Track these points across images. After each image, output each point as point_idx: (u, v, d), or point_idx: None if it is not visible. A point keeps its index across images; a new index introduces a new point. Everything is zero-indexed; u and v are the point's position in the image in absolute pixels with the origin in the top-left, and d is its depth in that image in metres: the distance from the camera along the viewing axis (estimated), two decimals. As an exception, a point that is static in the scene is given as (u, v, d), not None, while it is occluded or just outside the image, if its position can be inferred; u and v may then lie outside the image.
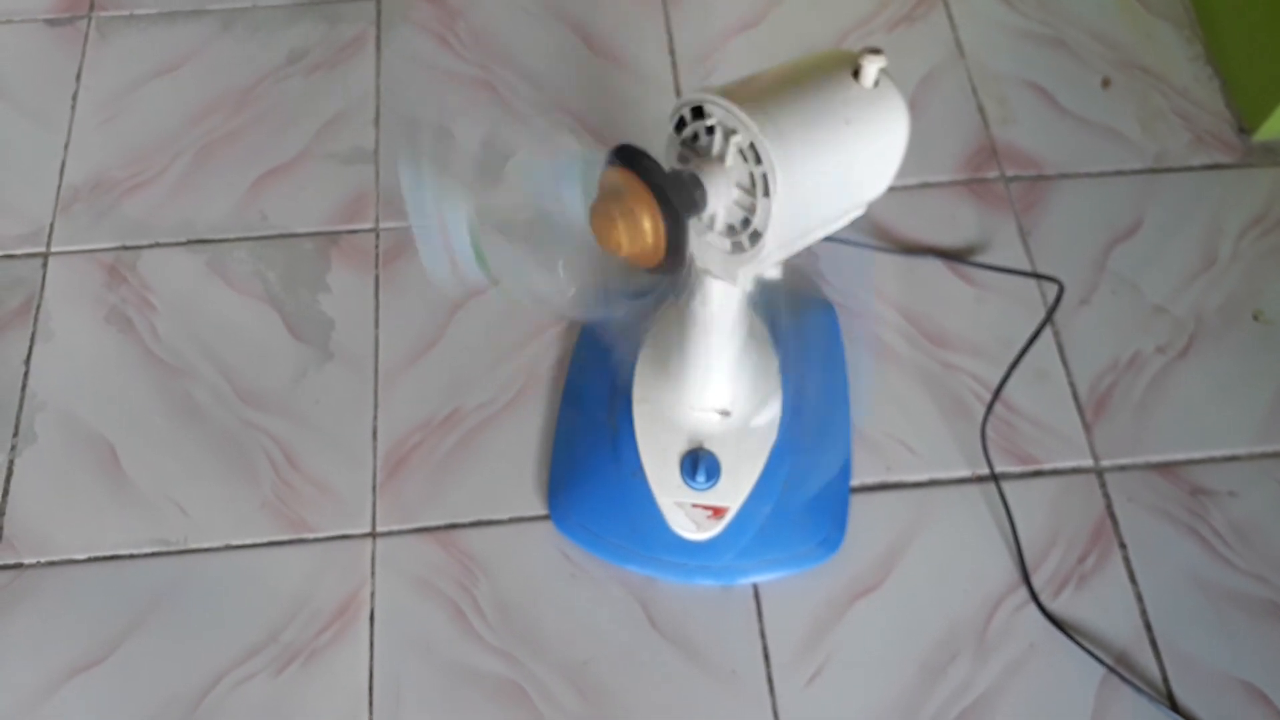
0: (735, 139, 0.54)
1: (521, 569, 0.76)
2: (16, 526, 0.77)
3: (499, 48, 0.98)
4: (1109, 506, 0.78)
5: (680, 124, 0.57)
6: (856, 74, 0.57)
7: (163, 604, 0.75)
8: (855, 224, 0.86)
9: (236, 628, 0.74)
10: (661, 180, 0.52)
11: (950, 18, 1.01)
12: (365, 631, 0.74)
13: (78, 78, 0.97)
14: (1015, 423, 0.81)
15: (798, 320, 0.83)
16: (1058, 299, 0.84)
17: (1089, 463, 0.80)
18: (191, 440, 0.81)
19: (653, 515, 0.74)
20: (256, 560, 0.76)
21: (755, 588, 0.75)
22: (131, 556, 0.76)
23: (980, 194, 0.92)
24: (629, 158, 0.52)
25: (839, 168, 0.56)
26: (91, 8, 1.01)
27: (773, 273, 0.65)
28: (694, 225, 0.59)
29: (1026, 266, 0.88)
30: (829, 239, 0.86)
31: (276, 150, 0.93)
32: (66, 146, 0.93)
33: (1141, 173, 0.93)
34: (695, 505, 0.74)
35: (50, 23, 1.01)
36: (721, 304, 0.65)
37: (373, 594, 0.75)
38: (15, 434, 0.80)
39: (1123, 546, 0.76)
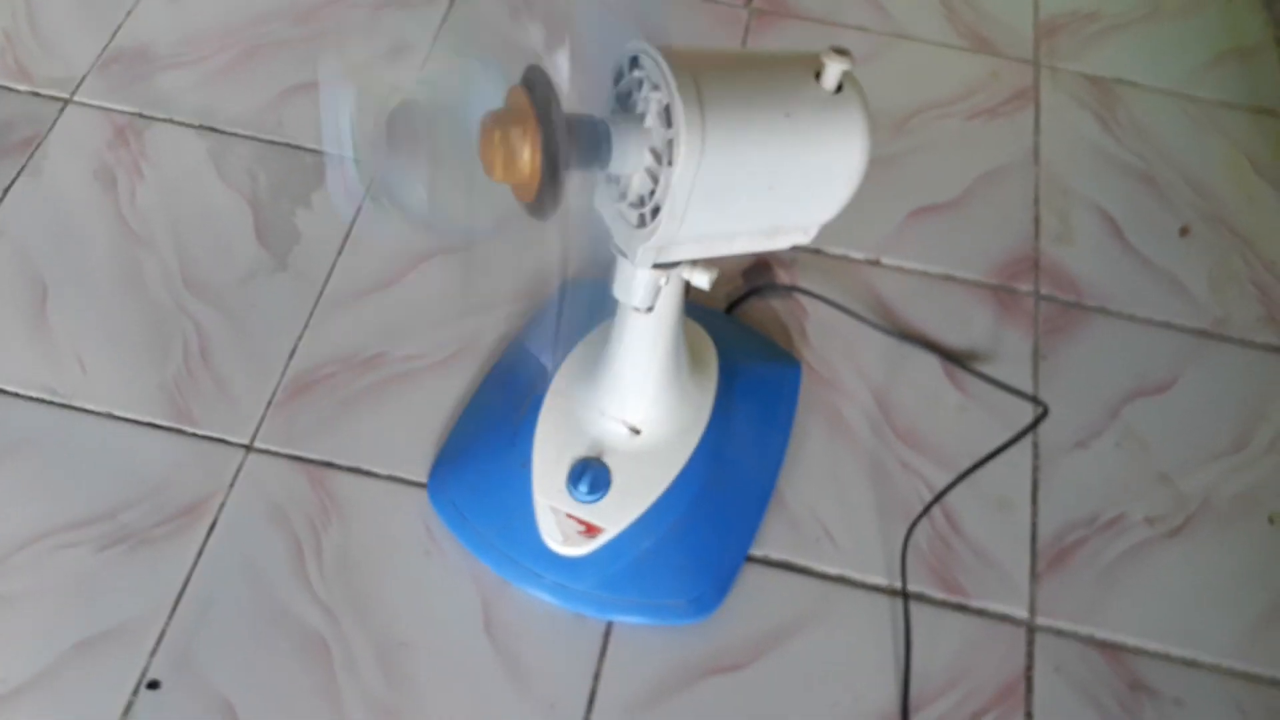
0: (656, 95, 0.49)
1: (378, 529, 0.71)
2: (-72, 335, 0.77)
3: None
4: (1029, 669, 0.68)
5: (619, 78, 0.52)
6: (819, 76, 0.51)
7: (23, 449, 0.72)
8: (855, 294, 0.80)
9: (82, 494, 0.71)
10: (552, 113, 0.47)
11: (1037, 123, 0.94)
12: (200, 539, 0.70)
13: (167, -43, 1.00)
14: (956, 545, 0.72)
15: (755, 366, 0.76)
16: (1036, 421, 0.75)
17: (1023, 614, 0.70)
18: (122, 306, 0.79)
19: (525, 514, 0.68)
20: (130, 436, 0.73)
21: (609, 626, 0.68)
22: (15, 395, 0.75)
23: (1005, 303, 0.83)
24: (532, 82, 0.48)
25: (768, 164, 0.50)
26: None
27: (700, 280, 0.59)
28: (607, 190, 0.54)
29: (1029, 389, 0.79)
30: (822, 299, 0.81)
31: (314, 68, 0.92)
32: (130, 12, 0.95)
33: (1193, 333, 0.83)
34: (570, 515, 0.68)
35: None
36: (635, 294, 0.59)
37: (223, 505, 0.71)
38: (-36, 251, 0.81)
39: (1028, 716, 0.66)
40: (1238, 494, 0.75)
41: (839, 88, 0.51)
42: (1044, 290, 0.84)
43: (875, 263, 0.85)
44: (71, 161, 0.86)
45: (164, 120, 0.89)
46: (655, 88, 0.49)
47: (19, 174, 0.85)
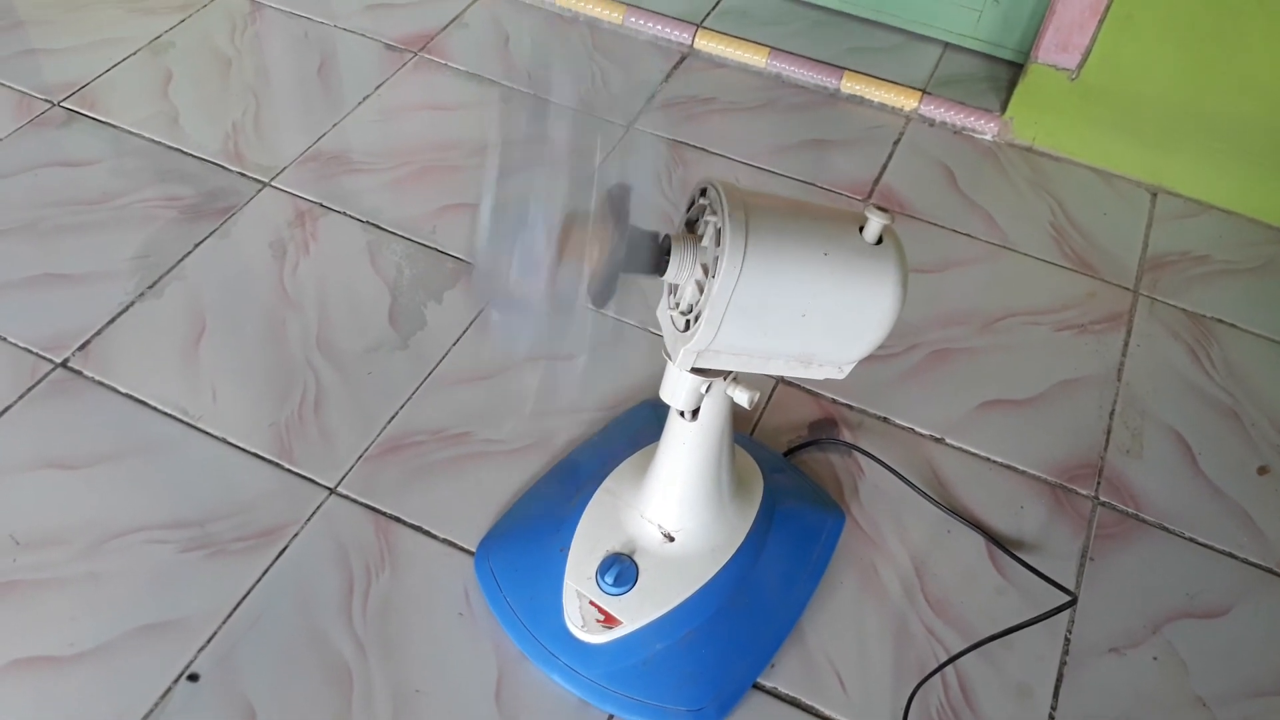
0: (713, 220, 0.57)
1: (424, 584, 0.77)
2: (102, 350, 0.90)
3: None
4: None
5: (691, 204, 0.61)
6: (863, 229, 0.58)
7: (145, 453, 0.83)
8: (913, 465, 0.84)
9: (181, 500, 0.80)
10: (623, 222, 0.55)
11: (1126, 346, 0.97)
12: (270, 560, 0.77)
13: (378, 87, 1.17)
14: (965, 718, 0.72)
15: (800, 507, 0.80)
16: (1062, 607, 0.75)
17: (1022, 801, 0.68)
18: (261, 354, 0.91)
19: (553, 595, 0.73)
20: (235, 461, 0.83)
21: (609, 719, 0.71)
22: (154, 408, 0.86)
23: (1061, 502, 0.85)
24: (613, 196, 0.57)
25: (801, 292, 0.57)
26: (422, 49, 1.23)
27: (740, 398, 0.65)
28: (668, 298, 0.62)
29: (1072, 585, 0.79)
30: (880, 462, 0.84)
31: (471, 193, 1.06)
32: (336, 124, 1.12)
33: (1256, 567, 0.82)
34: (593, 603, 0.72)
35: (388, 46, 1.23)
36: (678, 396, 0.65)
37: (296, 534, 0.79)
38: (150, 287, 0.95)
39: None
40: (1277, 735, 0.73)
41: (879, 240, 0.58)
42: (1103, 497, 0.85)
43: (939, 440, 0.89)
44: (255, 231, 1.01)
45: (339, 212, 1.03)
46: (714, 213, 0.57)
47: (211, 234, 1.00)
